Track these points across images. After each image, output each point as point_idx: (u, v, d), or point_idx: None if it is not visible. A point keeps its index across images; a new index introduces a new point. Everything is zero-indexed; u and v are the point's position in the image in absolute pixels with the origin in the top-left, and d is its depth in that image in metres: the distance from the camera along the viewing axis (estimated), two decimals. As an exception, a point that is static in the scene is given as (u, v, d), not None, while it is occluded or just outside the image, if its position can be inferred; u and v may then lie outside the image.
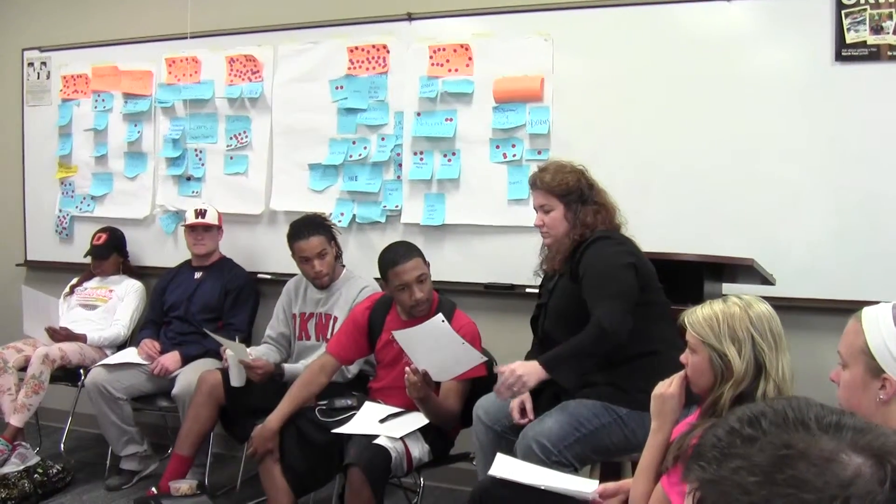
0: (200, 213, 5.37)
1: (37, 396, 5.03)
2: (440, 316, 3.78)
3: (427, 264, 4.19)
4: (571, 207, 3.73)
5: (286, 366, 4.72)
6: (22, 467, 4.84)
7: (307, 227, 4.77)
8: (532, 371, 3.43)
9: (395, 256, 4.15)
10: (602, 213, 3.74)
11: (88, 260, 5.76)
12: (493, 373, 4.12)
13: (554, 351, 3.54)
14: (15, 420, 4.98)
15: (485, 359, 3.87)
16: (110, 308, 5.60)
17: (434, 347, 3.77)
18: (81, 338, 5.33)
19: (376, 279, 4.66)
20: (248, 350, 4.66)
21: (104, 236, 5.76)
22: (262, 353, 4.78)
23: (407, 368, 3.85)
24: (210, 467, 4.96)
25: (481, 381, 4.09)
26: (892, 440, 1.04)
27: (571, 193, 3.73)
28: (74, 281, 5.81)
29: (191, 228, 5.41)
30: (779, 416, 1.08)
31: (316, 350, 4.73)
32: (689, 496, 1.10)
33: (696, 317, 2.60)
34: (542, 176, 3.81)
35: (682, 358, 2.68)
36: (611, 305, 3.44)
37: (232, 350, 4.56)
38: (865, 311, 2.12)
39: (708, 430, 1.13)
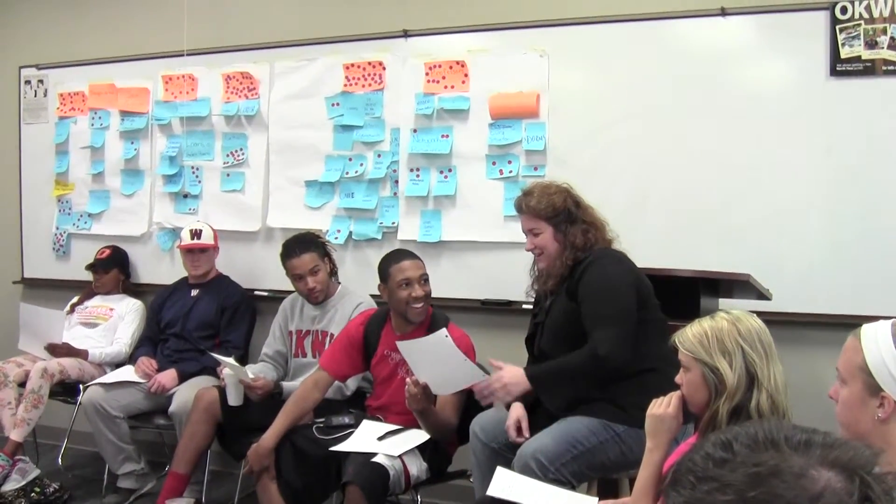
0: (196, 234, 5.37)
1: (36, 411, 5.02)
2: (444, 331, 3.78)
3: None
4: (560, 228, 3.71)
5: (284, 384, 4.71)
6: (23, 482, 4.85)
7: (298, 245, 4.79)
8: (518, 383, 3.52)
9: (399, 255, 4.26)
10: (592, 231, 3.72)
11: (87, 277, 5.76)
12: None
13: (545, 366, 3.60)
14: (15, 435, 4.97)
15: (486, 376, 3.88)
16: (111, 326, 5.58)
17: (436, 361, 3.76)
18: (83, 354, 5.32)
19: (373, 296, 4.67)
20: (246, 369, 4.66)
21: (108, 251, 5.79)
22: (259, 371, 4.77)
23: (408, 380, 3.86)
24: (207, 485, 4.95)
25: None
26: (861, 454, 1.07)
27: (559, 215, 3.72)
28: (75, 299, 5.79)
29: (187, 250, 5.41)
30: (750, 438, 1.10)
31: (312, 367, 4.69)
32: None
33: (686, 335, 2.62)
34: (527, 200, 3.79)
35: (677, 378, 2.69)
36: (610, 331, 3.46)
37: (232, 370, 4.56)
38: (864, 328, 2.12)
39: (684, 457, 1.14)
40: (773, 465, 1.05)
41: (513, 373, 3.58)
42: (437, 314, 4.25)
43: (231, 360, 4.62)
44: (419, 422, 3.99)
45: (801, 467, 1.04)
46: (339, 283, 4.96)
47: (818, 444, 1.07)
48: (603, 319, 3.49)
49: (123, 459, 5.04)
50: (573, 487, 3.41)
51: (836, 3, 4.28)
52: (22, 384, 5.09)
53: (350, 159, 5.33)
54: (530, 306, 4.11)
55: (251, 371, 4.65)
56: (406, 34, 5.21)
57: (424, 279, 4.18)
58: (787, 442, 1.08)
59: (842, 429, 2.11)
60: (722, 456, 1.09)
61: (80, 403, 5.07)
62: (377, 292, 4.39)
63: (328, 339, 4.78)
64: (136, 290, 5.86)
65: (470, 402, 4.07)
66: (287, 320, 5.00)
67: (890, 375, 2.01)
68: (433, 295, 4.27)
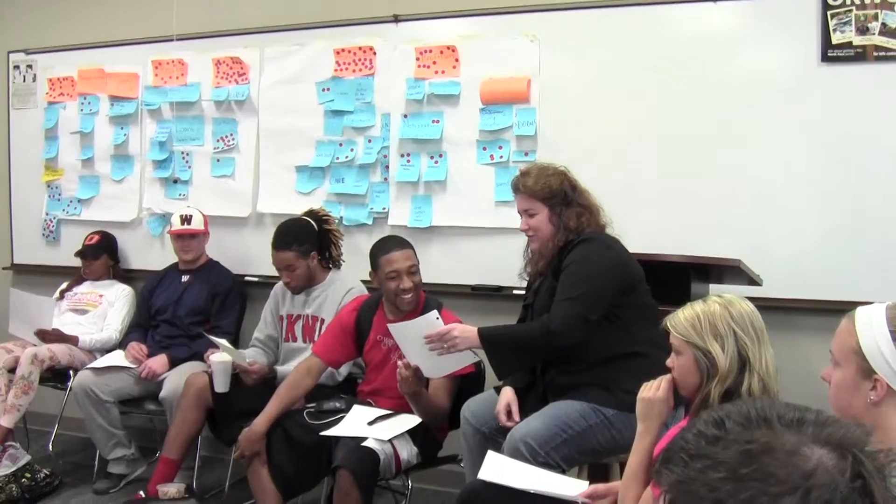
0: (186, 220, 5.36)
1: (26, 397, 5.01)
2: (434, 313, 3.78)
3: (418, 261, 4.20)
4: (555, 210, 3.71)
5: (278, 368, 4.71)
6: (14, 468, 4.84)
7: (283, 238, 4.74)
8: (468, 338, 3.58)
9: (388, 245, 4.21)
10: (586, 215, 3.72)
11: (77, 262, 5.74)
12: (480, 371, 4.15)
13: (498, 329, 3.70)
14: (5, 421, 4.96)
15: (477, 359, 3.88)
16: (100, 313, 5.58)
17: (426, 344, 3.76)
18: (73, 340, 5.32)
19: (363, 281, 4.67)
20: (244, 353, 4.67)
21: (97, 237, 5.76)
22: (251, 356, 4.76)
23: (399, 363, 3.86)
24: (198, 470, 4.95)
25: (470, 383, 4.11)
26: (853, 432, 1.08)
27: (555, 196, 3.72)
28: (64, 286, 5.78)
29: (177, 235, 5.40)
30: (742, 416, 1.11)
31: (302, 352, 4.70)
32: (660, 500, 1.12)
33: (678, 319, 2.63)
34: (524, 180, 3.79)
35: (669, 362, 2.69)
36: (569, 308, 3.49)
37: (229, 354, 4.56)
38: (859, 311, 2.12)
39: (676, 435, 1.15)
40: (765, 443, 1.05)
41: (466, 327, 3.63)
42: (430, 300, 4.24)
43: (226, 343, 4.62)
44: (411, 405, 3.99)
45: (793, 445, 1.05)
46: (330, 268, 4.92)
47: (810, 422, 1.08)
48: (567, 297, 3.52)
49: (114, 445, 5.03)
50: (563, 472, 3.41)
51: (828, -11, 4.29)
52: (12, 370, 5.09)
53: (340, 144, 5.32)
54: (521, 291, 4.12)
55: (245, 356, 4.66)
56: (397, 19, 5.19)
57: (413, 270, 4.15)
58: (780, 419, 1.08)
59: (834, 411, 2.11)
60: (714, 433, 1.09)
61: (70, 389, 5.07)
62: (365, 277, 4.39)
63: (318, 324, 4.77)
64: (126, 276, 5.85)
65: (462, 388, 4.08)
66: (278, 305, 4.98)
67: (883, 358, 2.01)
68: (424, 280, 4.27)
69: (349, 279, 4.85)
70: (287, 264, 4.71)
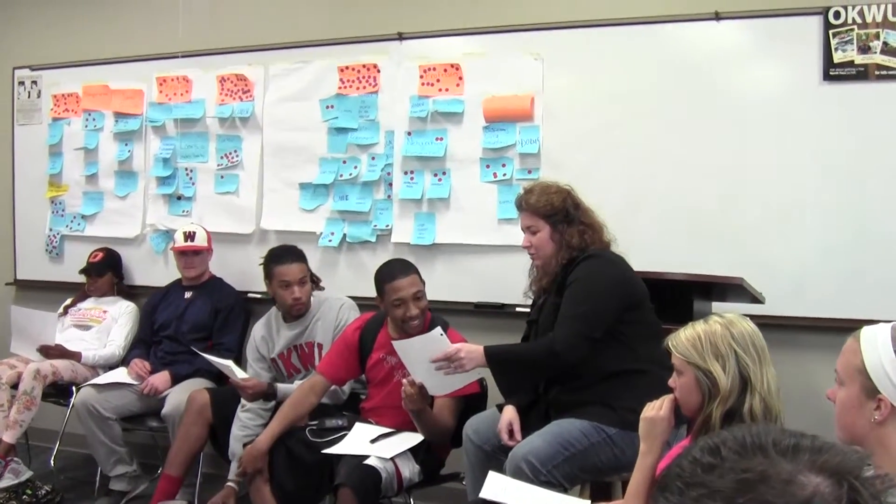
0: (189, 236, 5.36)
1: (29, 412, 5.00)
2: (438, 329, 3.78)
3: (423, 283, 4.19)
4: (557, 228, 3.73)
5: (279, 386, 4.69)
6: (16, 482, 4.84)
7: (289, 254, 4.74)
8: (474, 358, 3.59)
9: (393, 271, 4.17)
10: (588, 233, 3.74)
11: (80, 279, 5.75)
12: (484, 389, 4.15)
13: (504, 348, 3.71)
14: (7, 437, 4.95)
15: (480, 377, 3.88)
16: (104, 329, 5.57)
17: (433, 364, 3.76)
18: (76, 356, 5.31)
19: (350, 296, 4.66)
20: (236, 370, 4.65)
21: (101, 254, 5.77)
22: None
23: (404, 380, 3.87)
24: (200, 487, 4.93)
25: (473, 401, 4.10)
26: (849, 459, 1.07)
27: (557, 214, 3.74)
28: (68, 301, 5.78)
29: (180, 252, 5.40)
30: (738, 444, 1.10)
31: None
32: None
33: (680, 339, 2.63)
34: (527, 197, 3.82)
35: (671, 382, 2.69)
36: (572, 327, 3.52)
37: (224, 370, 4.55)
38: (864, 330, 2.12)
39: (672, 462, 1.14)
40: (761, 471, 1.05)
41: (472, 347, 3.64)
42: (435, 318, 4.23)
43: (222, 361, 4.61)
44: (415, 423, 3.99)
45: (789, 473, 1.04)
46: (313, 293, 4.86)
47: (806, 449, 1.07)
48: (570, 316, 3.55)
49: (116, 461, 5.02)
50: (565, 490, 3.41)
51: (830, 8, 4.29)
52: (14, 386, 5.09)
53: (344, 162, 5.33)
54: (524, 309, 4.13)
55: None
56: (401, 37, 5.21)
57: (419, 295, 4.14)
58: (776, 447, 1.08)
59: (838, 430, 2.11)
60: (710, 461, 1.09)
61: (72, 405, 5.06)
62: (368, 294, 4.39)
63: (315, 348, 4.74)
64: (129, 293, 5.86)
65: (467, 407, 4.08)
66: (268, 350, 4.86)
67: (887, 378, 2.02)
68: (428, 298, 4.25)
69: (335, 296, 4.85)
70: (300, 276, 4.68)
